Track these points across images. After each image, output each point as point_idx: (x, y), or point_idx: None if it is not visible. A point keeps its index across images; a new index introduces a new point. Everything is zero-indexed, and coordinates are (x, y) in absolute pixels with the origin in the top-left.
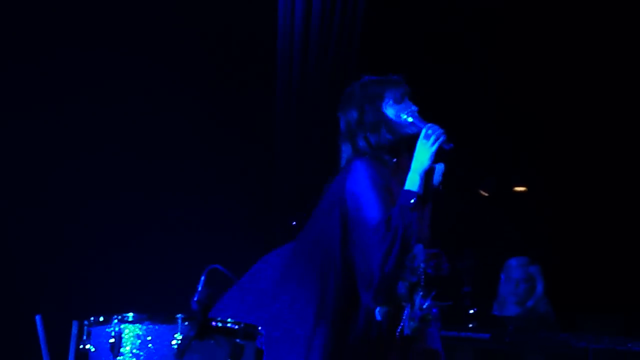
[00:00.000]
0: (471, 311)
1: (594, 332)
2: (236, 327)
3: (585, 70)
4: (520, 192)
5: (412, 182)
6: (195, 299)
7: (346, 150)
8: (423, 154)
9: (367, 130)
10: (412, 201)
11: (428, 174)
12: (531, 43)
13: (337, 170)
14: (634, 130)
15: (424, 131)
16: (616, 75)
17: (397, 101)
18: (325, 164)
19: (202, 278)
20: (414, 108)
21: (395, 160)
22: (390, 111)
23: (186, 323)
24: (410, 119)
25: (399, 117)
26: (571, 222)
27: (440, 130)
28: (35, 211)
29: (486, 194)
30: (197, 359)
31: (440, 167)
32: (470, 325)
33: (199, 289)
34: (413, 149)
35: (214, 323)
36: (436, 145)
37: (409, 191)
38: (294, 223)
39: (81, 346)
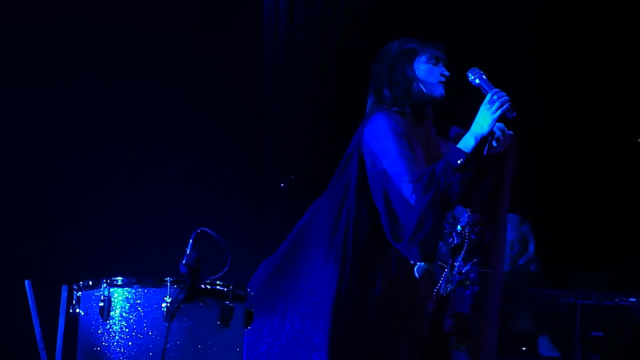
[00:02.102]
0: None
1: (581, 287)
2: (225, 289)
3: (573, 27)
4: None
5: (466, 143)
6: (183, 261)
7: (369, 100)
8: (484, 118)
9: (394, 82)
10: (460, 161)
11: (484, 140)
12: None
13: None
14: (622, 82)
15: (489, 96)
16: (602, 37)
17: (431, 62)
18: (315, 125)
19: (191, 241)
20: (446, 73)
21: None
22: (421, 68)
23: (175, 286)
24: (477, 81)
25: (430, 76)
26: (558, 178)
27: (506, 97)
28: (24, 177)
29: None
30: (186, 321)
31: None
32: None
33: (188, 252)
34: (436, 114)
35: (202, 285)
36: (499, 112)
37: (459, 150)
38: (282, 185)
39: (71, 310)
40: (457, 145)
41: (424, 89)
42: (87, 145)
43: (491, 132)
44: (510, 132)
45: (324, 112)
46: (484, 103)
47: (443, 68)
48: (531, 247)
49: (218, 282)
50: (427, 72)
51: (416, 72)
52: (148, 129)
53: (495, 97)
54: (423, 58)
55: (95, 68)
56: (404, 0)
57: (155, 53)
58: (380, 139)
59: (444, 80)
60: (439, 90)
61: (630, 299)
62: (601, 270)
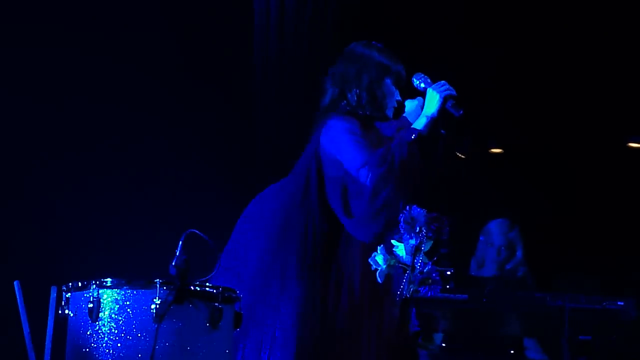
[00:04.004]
0: (449, 272)
1: (570, 291)
2: (214, 291)
3: (560, 29)
4: (497, 153)
5: (418, 122)
6: (173, 263)
7: (330, 93)
8: (432, 97)
9: (362, 89)
10: (413, 136)
11: (434, 119)
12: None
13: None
14: (610, 89)
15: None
16: (590, 39)
17: (395, 85)
18: (305, 125)
19: (180, 243)
20: (399, 100)
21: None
22: (387, 88)
23: (164, 288)
24: (422, 85)
25: (389, 98)
26: (547, 183)
27: (452, 88)
28: (13, 178)
29: (462, 156)
30: (175, 323)
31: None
32: (448, 287)
33: (177, 253)
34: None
35: (192, 287)
36: (447, 92)
37: (412, 128)
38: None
39: (60, 311)
40: (412, 125)
41: (382, 106)
42: (76, 145)
43: (441, 111)
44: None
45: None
46: (432, 86)
47: (399, 95)
48: (519, 253)
49: (207, 284)
50: (389, 93)
51: (382, 87)
52: (138, 129)
53: (442, 82)
54: (392, 79)
55: (82, 66)
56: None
57: (146, 53)
58: (337, 140)
59: (396, 106)
60: (390, 113)
61: (618, 303)
62: (589, 273)
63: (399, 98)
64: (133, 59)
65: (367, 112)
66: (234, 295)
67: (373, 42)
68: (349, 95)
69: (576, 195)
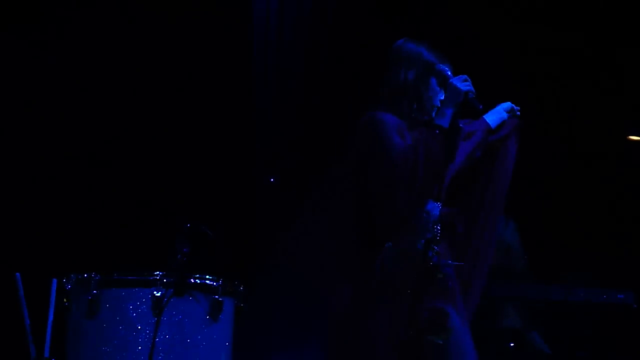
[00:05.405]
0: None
1: (570, 284)
2: (214, 283)
3: (556, 21)
4: None
5: (441, 116)
6: (173, 256)
7: (384, 82)
8: (453, 90)
9: (408, 87)
10: (437, 131)
11: (456, 115)
12: None
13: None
14: (611, 82)
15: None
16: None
17: (439, 84)
18: (304, 120)
19: (181, 235)
20: (442, 98)
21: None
22: (433, 88)
23: (165, 280)
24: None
25: (435, 97)
26: (547, 176)
27: (471, 85)
28: (14, 171)
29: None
30: (176, 316)
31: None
32: None
33: (178, 246)
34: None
35: (192, 280)
36: (467, 87)
37: (436, 124)
38: (272, 180)
39: (60, 304)
40: (435, 121)
41: (427, 104)
42: (77, 138)
43: (461, 104)
44: (518, 108)
45: (313, 107)
46: (452, 79)
47: (443, 95)
48: (516, 247)
49: (207, 277)
50: (435, 93)
51: (428, 87)
52: (139, 124)
53: (464, 76)
54: (437, 78)
55: (84, 63)
56: (393, 2)
57: (147, 49)
58: (373, 137)
59: (440, 105)
60: (433, 113)
61: (619, 296)
62: (589, 266)
63: (443, 98)
64: (136, 59)
65: (413, 112)
66: (234, 287)
67: (422, 40)
68: (398, 97)
69: (576, 188)
